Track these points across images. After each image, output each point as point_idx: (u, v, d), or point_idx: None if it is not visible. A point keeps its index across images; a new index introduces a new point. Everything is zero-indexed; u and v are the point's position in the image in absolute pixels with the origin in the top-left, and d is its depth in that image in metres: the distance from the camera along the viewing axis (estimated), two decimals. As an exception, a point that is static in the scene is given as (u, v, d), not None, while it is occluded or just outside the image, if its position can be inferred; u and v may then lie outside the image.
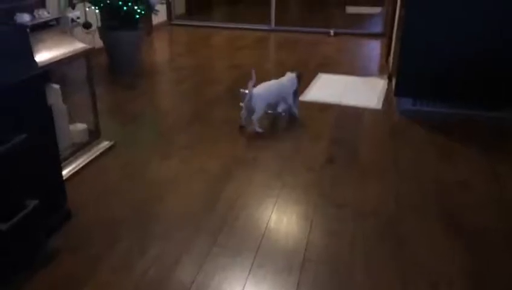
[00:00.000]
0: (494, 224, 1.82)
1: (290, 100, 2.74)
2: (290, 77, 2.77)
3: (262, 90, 2.60)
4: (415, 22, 2.72)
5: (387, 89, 3.29)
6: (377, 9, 6.16)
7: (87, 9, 3.54)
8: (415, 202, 1.96)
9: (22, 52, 1.70)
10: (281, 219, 1.86)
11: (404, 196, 2.01)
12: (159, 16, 4.73)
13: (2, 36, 1.49)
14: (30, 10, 2.03)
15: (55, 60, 1.94)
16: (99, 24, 3.73)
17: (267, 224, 1.82)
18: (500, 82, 2.69)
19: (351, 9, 6.67)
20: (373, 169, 2.24)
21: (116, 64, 3.63)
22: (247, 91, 2.56)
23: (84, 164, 2.22)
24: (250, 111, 2.57)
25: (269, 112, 2.78)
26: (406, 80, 2.88)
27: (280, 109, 2.78)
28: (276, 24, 5.29)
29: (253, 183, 2.11)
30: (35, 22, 1.96)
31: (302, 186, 2.09)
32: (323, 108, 2.95)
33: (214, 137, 2.57)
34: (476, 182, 2.12)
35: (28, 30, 1.87)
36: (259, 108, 2.57)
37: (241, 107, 2.64)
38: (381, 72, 3.76)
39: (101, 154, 2.33)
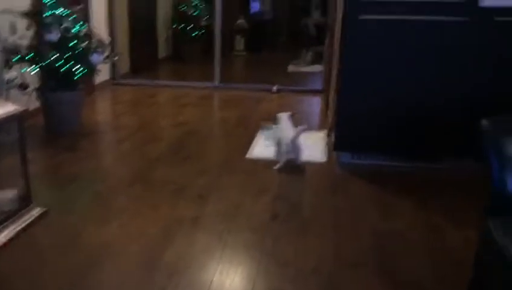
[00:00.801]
0: (430, 273, 1.85)
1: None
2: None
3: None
4: (350, 77, 2.85)
5: (327, 143, 3.38)
6: (317, 68, 6.44)
7: (23, 70, 3.46)
8: (354, 258, 1.97)
9: None
10: (223, 282, 1.81)
11: (344, 252, 2.02)
12: (102, 75, 4.69)
13: None
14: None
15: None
16: (37, 84, 3.64)
17: (209, 288, 1.75)
18: (431, 136, 2.84)
19: (292, 68, 6.95)
20: (315, 225, 2.25)
21: (54, 126, 3.53)
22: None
23: (12, 234, 2.07)
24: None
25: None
26: (343, 134, 2.98)
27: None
28: (220, 81, 5.39)
29: (195, 245, 2.05)
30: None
31: (245, 246, 2.05)
32: (268, 164, 2.96)
33: (154, 198, 2.51)
34: (412, 233, 2.17)
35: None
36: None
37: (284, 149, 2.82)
38: (321, 127, 3.87)
39: (32, 222, 2.19)
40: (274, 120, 3.09)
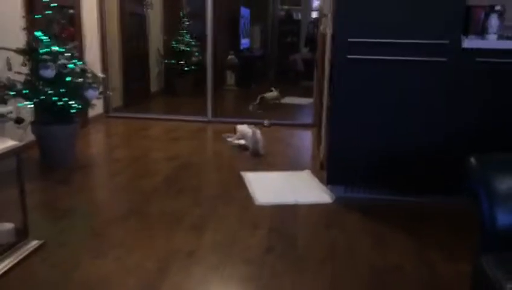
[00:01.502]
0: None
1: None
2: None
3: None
4: (341, 112, 2.94)
5: (320, 178, 3.44)
6: (308, 100, 6.58)
7: (18, 104, 3.50)
8: (351, 291, 2.00)
9: None
10: (220, 315, 1.82)
11: (340, 286, 2.05)
12: (96, 109, 4.75)
13: None
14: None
15: (-17, 159, 1.88)
16: (32, 119, 3.68)
17: (206, 322, 1.77)
18: (421, 170, 2.92)
19: (285, 100, 7.09)
20: (310, 258, 2.28)
21: (48, 159, 3.55)
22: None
23: (9, 266, 2.07)
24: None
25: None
26: (336, 168, 3.04)
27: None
28: (212, 115, 5.48)
29: (191, 278, 2.06)
30: (-36, 121, 1.91)
31: (241, 279, 2.07)
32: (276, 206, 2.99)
33: (150, 231, 2.52)
34: (407, 267, 2.21)
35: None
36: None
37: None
38: (313, 160, 3.95)
39: (29, 255, 2.20)
40: (234, 131, 4.45)
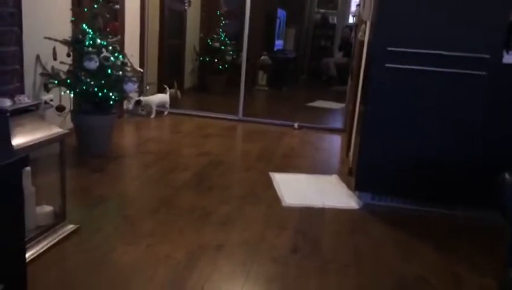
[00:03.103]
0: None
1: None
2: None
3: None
4: (373, 119, 2.95)
5: (347, 184, 3.45)
6: (339, 105, 6.59)
7: (62, 93, 3.64)
8: (375, 296, 2.02)
9: (1, 135, 1.76)
10: (245, 310, 1.87)
11: None
12: (132, 102, 4.89)
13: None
14: (11, 95, 2.11)
15: (32, 144, 1.99)
16: (72, 107, 3.82)
17: (231, 316, 1.82)
18: (452, 181, 2.91)
19: (316, 103, 7.12)
20: (335, 262, 2.30)
21: (86, 147, 3.68)
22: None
23: (46, 247, 2.18)
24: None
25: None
26: (364, 175, 3.06)
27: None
28: (244, 114, 5.54)
29: (218, 272, 2.12)
30: (16, 107, 2.03)
31: (267, 277, 2.12)
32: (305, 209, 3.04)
33: (179, 224, 2.60)
34: (433, 278, 2.21)
35: (7, 115, 1.94)
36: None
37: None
38: (342, 165, 3.96)
39: (65, 238, 2.30)
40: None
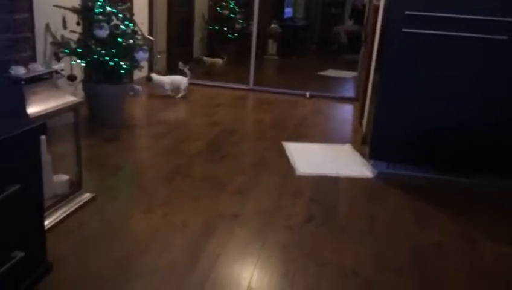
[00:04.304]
0: (468, 287, 1.89)
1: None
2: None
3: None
4: (389, 87, 2.89)
5: (361, 153, 3.43)
6: (351, 74, 6.50)
7: (73, 62, 3.61)
8: (393, 264, 2.02)
9: (16, 104, 1.75)
10: (262, 277, 1.88)
11: (382, 257, 2.07)
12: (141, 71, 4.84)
13: None
14: (24, 63, 2.09)
15: (47, 112, 1.98)
16: (83, 77, 3.79)
17: (249, 283, 1.83)
18: (471, 149, 2.87)
19: (327, 72, 7.03)
20: (351, 230, 2.31)
21: (97, 117, 3.67)
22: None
23: (64, 215, 2.20)
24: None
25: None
26: (379, 143, 3.02)
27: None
28: (254, 84, 5.49)
29: (235, 240, 2.13)
30: (30, 75, 2.01)
31: (282, 244, 2.13)
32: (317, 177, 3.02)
33: (194, 193, 2.60)
34: (449, 245, 2.21)
35: (22, 83, 1.93)
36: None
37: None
38: (354, 135, 3.93)
39: (81, 206, 2.32)
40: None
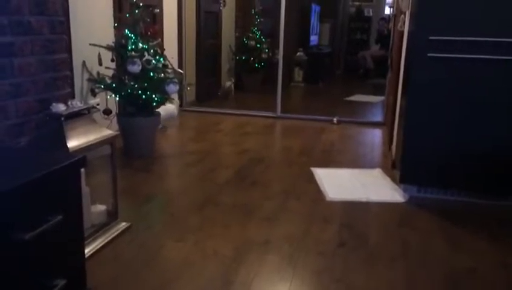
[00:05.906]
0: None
1: None
2: None
3: None
4: (417, 111, 2.91)
5: (391, 177, 3.41)
6: (378, 98, 6.51)
7: (108, 97, 3.78)
8: None
9: (58, 139, 1.86)
10: (294, 303, 1.89)
11: (415, 284, 2.05)
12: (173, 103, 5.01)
13: (41, 124, 1.64)
14: (64, 100, 2.22)
15: (86, 146, 2.09)
16: (117, 110, 3.96)
17: (281, 308, 1.85)
18: (503, 171, 2.82)
19: (354, 97, 7.06)
20: (383, 256, 2.29)
21: (131, 148, 3.80)
22: None
23: (102, 245, 2.28)
24: None
25: None
26: (410, 168, 3.01)
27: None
28: (281, 111, 5.56)
29: (266, 267, 2.16)
30: (69, 111, 2.13)
31: (314, 270, 2.14)
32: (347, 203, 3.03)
33: (224, 220, 2.65)
34: (483, 270, 2.17)
35: (62, 119, 2.05)
36: None
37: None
38: (384, 159, 3.92)
39: (118, 235, 2.40)
40: None
